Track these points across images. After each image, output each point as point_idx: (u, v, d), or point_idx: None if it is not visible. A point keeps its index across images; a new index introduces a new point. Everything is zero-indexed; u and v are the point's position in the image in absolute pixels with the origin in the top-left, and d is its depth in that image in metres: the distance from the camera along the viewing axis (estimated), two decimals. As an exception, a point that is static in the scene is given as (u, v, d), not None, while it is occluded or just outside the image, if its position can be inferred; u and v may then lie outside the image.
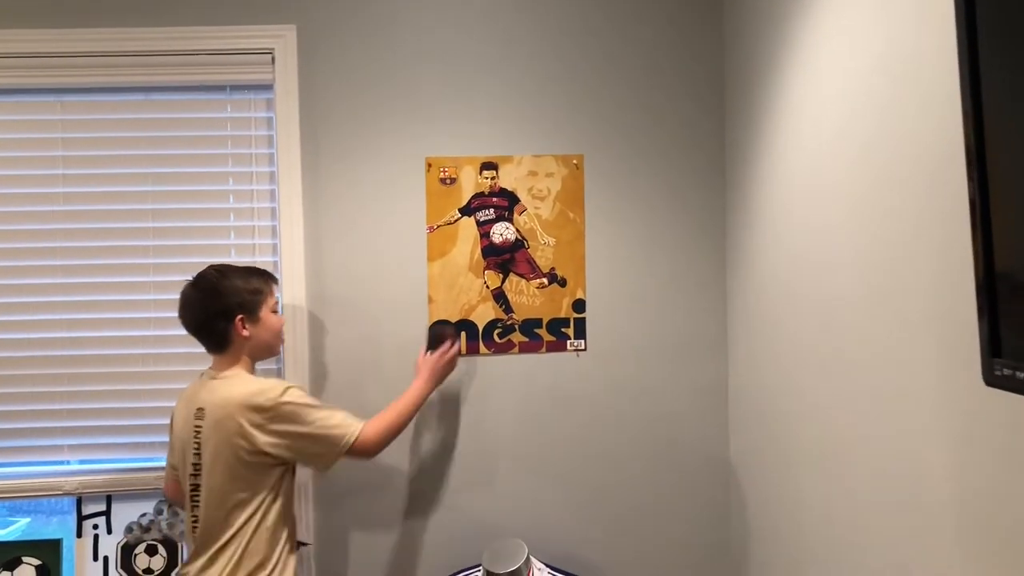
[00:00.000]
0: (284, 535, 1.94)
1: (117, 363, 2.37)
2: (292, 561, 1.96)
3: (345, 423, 1.93)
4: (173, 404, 2.32)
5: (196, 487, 1.90)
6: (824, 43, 1.69)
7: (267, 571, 1.88)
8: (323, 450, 1.92)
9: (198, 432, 1.89)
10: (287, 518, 1.96)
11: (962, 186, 0.99)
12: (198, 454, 1.89)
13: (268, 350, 2.06)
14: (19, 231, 2.37)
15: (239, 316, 1.93)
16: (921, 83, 1.29)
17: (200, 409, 1.90)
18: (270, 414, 1.85)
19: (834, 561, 1.68)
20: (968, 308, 1.14)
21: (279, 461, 1.91)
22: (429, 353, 2.19)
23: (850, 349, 1.58)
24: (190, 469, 1.91)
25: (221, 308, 1.92)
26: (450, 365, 2.23)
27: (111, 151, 2.38)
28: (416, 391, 2.11)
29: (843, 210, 1.60)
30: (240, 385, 1.90)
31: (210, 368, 1.99)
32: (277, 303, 2.06)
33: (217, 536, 1.88)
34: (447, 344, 2.21)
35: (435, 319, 2.38)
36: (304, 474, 2.34)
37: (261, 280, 2.01)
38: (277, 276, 2.13)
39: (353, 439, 1.92)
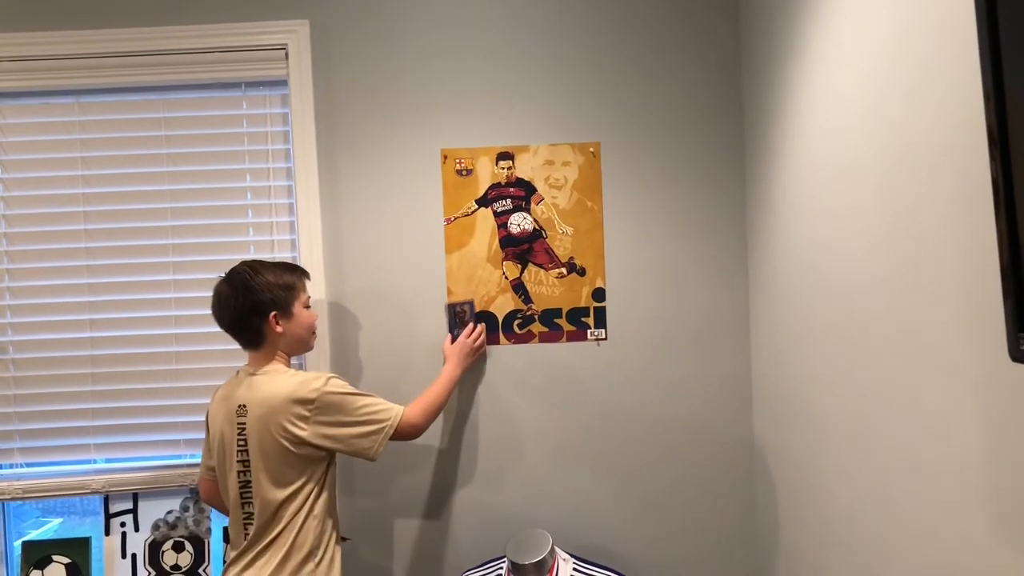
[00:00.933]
0: (330, 526, 1.97)
1: (140, 362, 2.39)
2: (338, 552, 1.99)
3: (387, 408, 1.98)
4: (196, 401, 2.36)
5: (247, 484, 1.92)
6: (844, 24, 1.66)
7: (315, 561, 1.91)
8: (370, 437, 1.94)
9: (242, 429, 1.90)
10: (332, 509, 1.99)
11: (988, 168, 0.98)
12: (244, 450, 1.91)
13: (302, 345, 2.06)
14: (41, 233, 2.39)
15: (272, 313, 1.94)
16: (946, 63, 1.27)
17: (242, 406, 1.91)
18: (315, 406, 1.87)
19: (862, 548, 1.66)
20: (995, 293, 1.12)
21: (325, 453, 1.93)
22: (455, 334, 2.30)
23: (876, 334, 1.56)
24: (237, 467, 1.92)
25: (254, 305, 1.93)
26: (478, 349, 2.34)
27: (129, 151, 2.40)
28: (448, 376, 2.20)
29: (868, 195, 1.57)
30: (282, 380, 1.91)
31: (247, 365, 2.00)
32: (309, 298, 2.07)
33: (267, 530, 1.90)
34: (471, 327, 2.32)
35: (450, 304, 2.38)
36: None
37: (293, 276, 2.01)
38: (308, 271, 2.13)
39: (397, 423, 1.97)
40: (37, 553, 2.39)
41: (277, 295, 1.95)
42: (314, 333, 2.10)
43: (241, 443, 1.91)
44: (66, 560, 2.39)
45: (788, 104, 2.01)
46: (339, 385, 1.93)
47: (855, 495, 1.69)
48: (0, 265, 2.38)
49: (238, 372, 2.01)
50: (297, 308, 2.00)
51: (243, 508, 1.93)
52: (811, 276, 1.90)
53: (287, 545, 1.88)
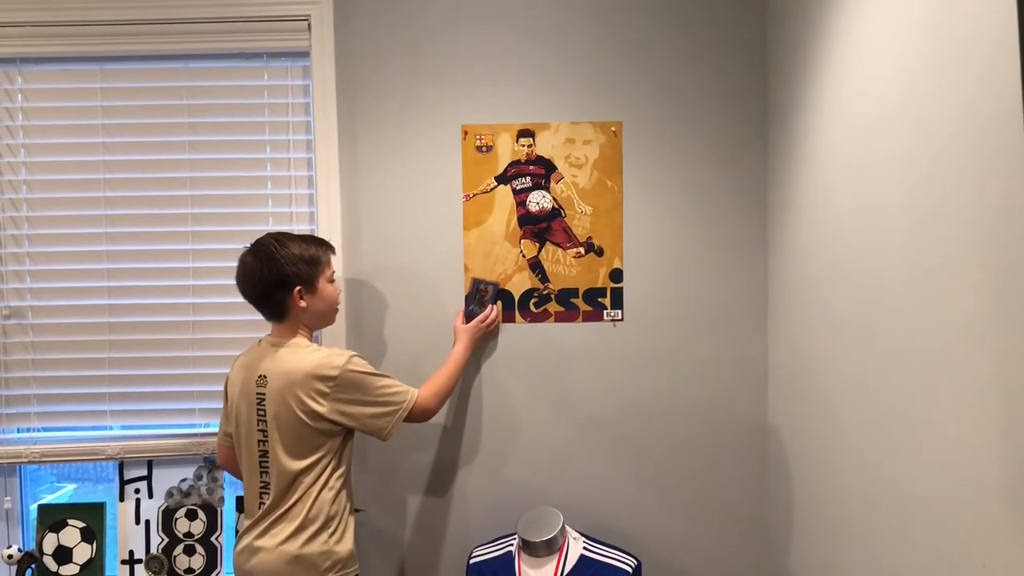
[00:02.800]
0: (345, 498, 1.98)
1: (157, 330, 2.40)
2: (352, 523, 2.00)
3: (403, 390, 1.99)
4: (212, 371, 2.37)
5: (265, 453, 1.93)
6: (876, 11, 1.63)
7: (329, 532, 1.91)
8: (385, 417, 1.95)
9: (261, 400, 1.91)
10: (347, 483, 2.00)
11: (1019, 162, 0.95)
12: (263, 420, 1.91)
13: (324, 319, 2.07)
14: (61, 199, 2.40)
15: (297, 287, 1.94)
16: (979, 57, 1.24)
17: (263, 376, 1.91)
18: (335, 383, 1.88)
19: (877, 538, 1.65)
20: (1020, 289, 1.11)
21: (341, 428, 1.94)
22: (470, 310, 2.32)
23: (896, 326, 1.54)
24: (257, 436, 1.93)
25: (279, 278, 1.92)
26: (489, 333, 2.35)
27: (150, 119, 2.40)
28: (458, 358, 2.22)
29: (894, 186, 1.55)
30: (305, 354, 1.91)
31: (270, 335, 2.01)
32: (334, 273, 2.06)
33: (283, 500, 1.91)
34: (489, 310, 2.32)
35: (475, 279, 2.38)
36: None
37: (319, 249, 2.00)
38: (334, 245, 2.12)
39: (412, 404, 1.99)
40: (52, 516, 2.41)
41: (302, 269, 1.94)
42: (336, 308, 2.10)
43: (261, 413, 1.91)
44: (81, 524, 2.41)
45: (814, 87, 1.98)
46: (361, 364, 1.94)
47: (870, 485, 1.68)
48: (20, 231, 2.40)
49: (260, 342, 2.02)
50: (321, 283, 1.99)
51: (260, 477, 1.94)
52: (831, 263, 1.89)
53: (302, 515, 1.89)
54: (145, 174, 2.40)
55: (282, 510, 1.90)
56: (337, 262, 2.33)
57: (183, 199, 2.40)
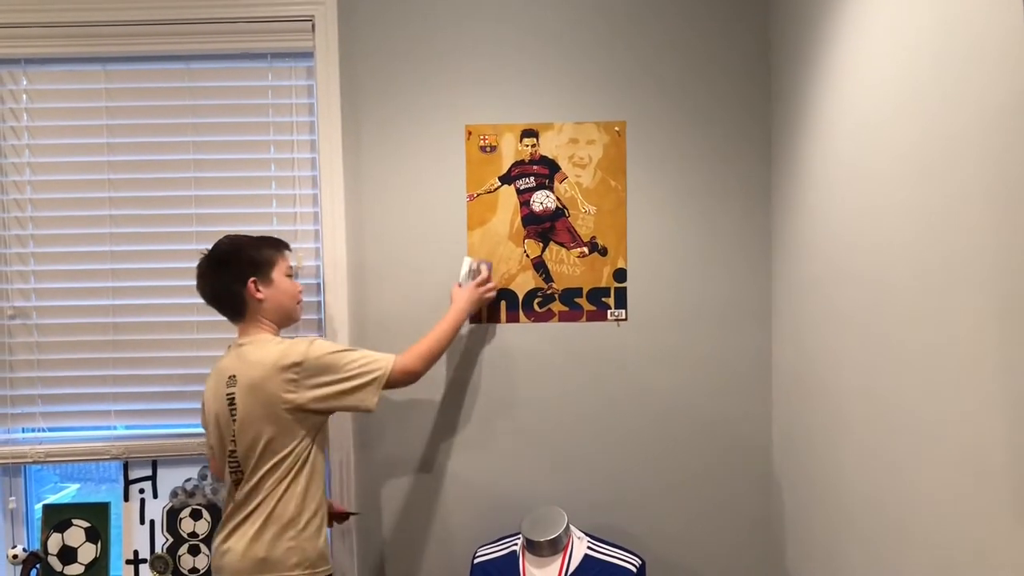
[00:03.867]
0: (315, 498, 1.95)
1: (161, 330, 2.41)
2: (323, 523, 1.97)
3: (377, 358, 1.97)
4: (217, 370, 2.36)
5: (233, 452, 1.93)
6: (880, 4, 1.63)
7: (297, 529, 1.90)
8: (364, 389, 1.94)
9: (231, 400, 1.90)
10: (317, 482, 1.97)
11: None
12: (235, 419, 1.91)
13: (286, 314, 2.05)
14: (65, 199, 2.40)
15: (251, 279, 1.95)
16: (988, 52, 1.24)
17: (232, 377, 1.91)
18: (302, 368, 1.87)
19: (880, 535, 1.65)
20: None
21: (322, 418, 1.94)
22: (466, 282, 2.27)
23: (901, 324, 1.53)
24: (229, 435, 1.92)
25: (234, 273, 1.95)
26: (485, 297, 2.31)
27: (154, 120, 2.40)
28: (452, 318, 2.17)
29: (900, 183, 1.54)
30: (269, 348, 1.91)
31: (236, 337, 2.01)
32: (292, 268, 2.07)
33: (249, 500, 1.91)
34: (484, 275, 2.30)
35: (470, 257, 2.39)
36: (345, 447, 2.37)
37: (272, 247, 2.02)
38: (291, 244, 2.12)
39: (389, 371, 1.96)
40: (57, 516, 2.42)
41: (255, 260, 1.97)
42: (299, 303, 2.09)
43: (233, 412, 1.91)
44: (86, 524, 2.42)
45: (819, 86, 1.98)
46: (324, 346, 1.93)
47: (875, 484, 1.68)
48: (24, 231, 2.40)
49: (228, 348, 2.03)
50: (277, 275, 2.00)
51: (232, 477, 1.95)
52: (836, 262, 1.88)
53: (265, 514, 1.89)
54: (149, 174, 2.40)
55: (248, 510, 1.90)
56: (341, 261, 2.34)
57: (187, 199, 2.40)
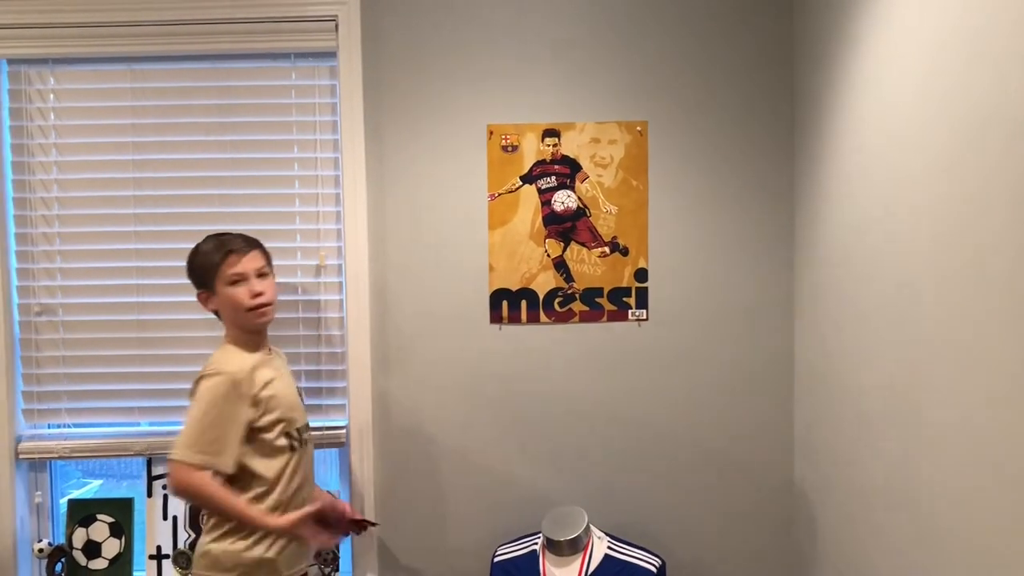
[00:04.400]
0: (269, 506, 1.89)
1: (186, 328, 2.42)
2: (275, 536, 1.90)
3: (187, 443, 1.81)
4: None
5: None
6: (905, 11, 1.62)
7: (239, 535, 1.87)
8: (176, 444, 1.83)
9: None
10: (275, 494, 1.91)
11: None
12: None
13: (240, 323, 1.95)
14: (91, 198, 2.43)
15: (199, 292, 1.98)
16: (1018, 53, 1.23)
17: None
18: (191, 388, 1.91)
19: (905, 534, 1.64)
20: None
21: (250, 431, 1.90)
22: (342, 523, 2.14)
23: (928, 322, 1.53)
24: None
25: (193, 282, 1.99)
26: (323, 540, 2.04)
27: (179, 119, 2.42)
28: (252, 514, 1.85)
29: (925, 184, 1.54)
30: (214, 356, 1.95)
31: None
32: (239, 275, 1.92)
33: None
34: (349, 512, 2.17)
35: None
36: (364, 451, 2.38)
37: (218, 252, 1.92)
38: (240, 244, 1.96)
39: (174, 458, 1.82)
40: (82, 512, 2.44)
41: (196, 272, 1.97)
42: (254, 309, 1.93)
43: None
44: (110, 519, 2.44)
45: (843, 86, 1.97)
46: (207, 387, 1.84)
47: (899, 483, 1.67)
48: (51, 229, 2.43)
49: None
50: (219, 286, 1.92)
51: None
52: (860, 261, 1.87)
53: (213, 518, 1.90)
54: (174, 173, 2.42)
55: (208, 513, 1.94)
56: (363, 259, 2.35)
57: (211, 198, 2.42)
